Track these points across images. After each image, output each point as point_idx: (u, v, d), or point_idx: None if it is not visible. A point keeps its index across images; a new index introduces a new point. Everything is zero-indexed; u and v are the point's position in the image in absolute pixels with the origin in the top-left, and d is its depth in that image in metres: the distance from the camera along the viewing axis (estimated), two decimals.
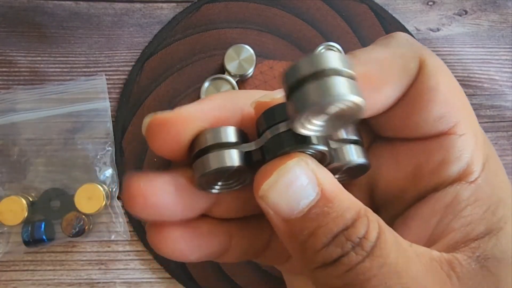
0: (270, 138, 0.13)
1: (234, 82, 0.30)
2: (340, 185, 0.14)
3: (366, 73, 0.14)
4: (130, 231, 0.31)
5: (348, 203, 0.13)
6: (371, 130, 0.17)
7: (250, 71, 0.31)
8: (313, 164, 0.14)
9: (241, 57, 0.31)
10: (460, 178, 0.14)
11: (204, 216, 0.16)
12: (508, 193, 0.14)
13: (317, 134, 0.13)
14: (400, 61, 0.15)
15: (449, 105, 0.15)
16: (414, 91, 0.15)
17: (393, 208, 0.16)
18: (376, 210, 0.14)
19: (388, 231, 0.13)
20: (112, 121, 0.32)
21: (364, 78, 0.13)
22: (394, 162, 0.16)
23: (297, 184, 0.14)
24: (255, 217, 0.17)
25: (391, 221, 0.16)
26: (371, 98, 0.14)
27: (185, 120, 0.14)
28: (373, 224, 0.13)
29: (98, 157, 0.31)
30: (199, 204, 0.15)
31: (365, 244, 0.13)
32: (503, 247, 0.13)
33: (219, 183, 0.15)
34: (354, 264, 0.13)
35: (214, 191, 0.15)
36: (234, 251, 0.17)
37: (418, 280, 0.12)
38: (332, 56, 0.11)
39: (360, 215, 0.13)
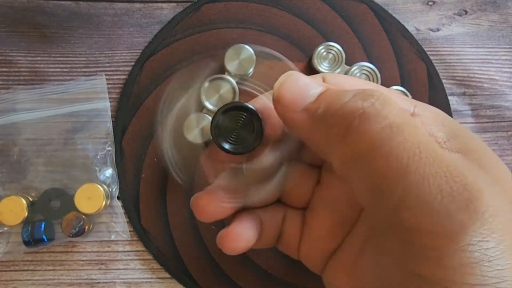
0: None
1: (234, 82, 0.30)
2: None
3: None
4: (130, 231, 0.31)
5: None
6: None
7: (250, 71, 0.31)
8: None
9: (241, 57, 0.31)
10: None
11: None
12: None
13: None
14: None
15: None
16: None
17: None
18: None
19: None
20: (112, 121, 0.32)
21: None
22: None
23: (303, 80, 0.18)
24: (272, 207, 0.23)
25: None
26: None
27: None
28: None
29: (98, 157, 0.31)
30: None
31: (379, 99, 0.15)
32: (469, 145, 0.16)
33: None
34: (382, 115, 0.15)
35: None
36: (263, 232, 0.22)
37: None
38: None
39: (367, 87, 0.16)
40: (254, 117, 0.19)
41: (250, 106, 0.19)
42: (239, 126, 0.19)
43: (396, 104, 0.15)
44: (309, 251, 0.22)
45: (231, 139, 0.19)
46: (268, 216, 0.22)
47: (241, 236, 0.21)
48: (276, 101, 0.17)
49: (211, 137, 0.20)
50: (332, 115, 0.16)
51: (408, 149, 0.14)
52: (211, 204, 0.20)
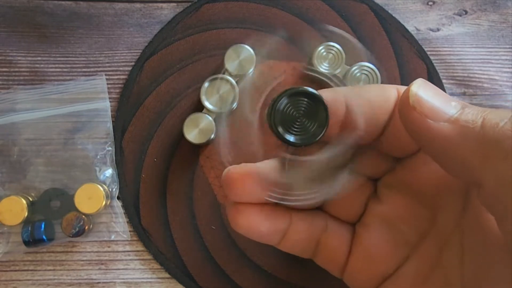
0: None
1: (234, 82, 0.30)
2: None
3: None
4: (130, 231, 0.31)
5: None
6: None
7: (250, 71, 0.31)
8: None
9: (241, 57, 0.31)
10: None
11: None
12: None
13: None
14: None
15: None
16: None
17: None
18: None
19: None
20: (112, 121, 0.32)
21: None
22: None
23: (439, 89, 0.16)
24: (310, 212, 0.21)
25: None
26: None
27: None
28: None
29: (98, 157, 0.31)
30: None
31: None
32: None
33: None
34: None
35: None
36: (292, 235, 0.20)
37: None
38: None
39: None
40: (320, 106, 0.17)
41: (318, 93, 0.17)
42: (301, 115, 0.17)
43: None
44: (358, 271, 0.20)
45: (293, 128, 0.17)
46: (304, 220, 0.21)
47: (248, 218, 0.19)
48: (413, 107, 0.16)
49: (267, 121, 0.17)
50: (495, 133, 0.15)
51: None
52: (246, 183, 0.18)
